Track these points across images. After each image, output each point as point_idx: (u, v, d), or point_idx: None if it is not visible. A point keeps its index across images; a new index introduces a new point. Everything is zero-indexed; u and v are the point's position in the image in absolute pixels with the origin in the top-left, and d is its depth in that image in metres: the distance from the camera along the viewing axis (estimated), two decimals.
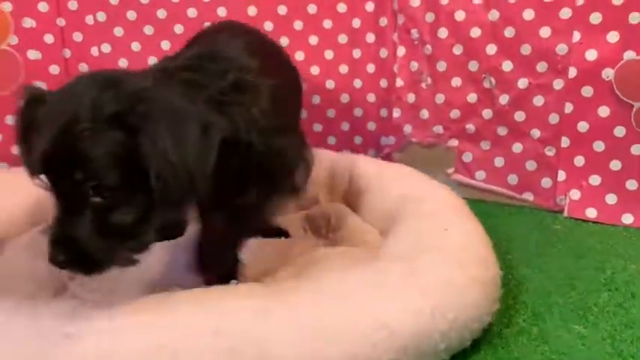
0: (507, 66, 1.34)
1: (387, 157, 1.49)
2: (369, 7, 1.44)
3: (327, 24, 1.46)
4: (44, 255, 0.70)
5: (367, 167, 1.27)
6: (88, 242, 0.70)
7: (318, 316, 0.74)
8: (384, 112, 1.50)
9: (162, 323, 0.72)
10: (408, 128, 1.46)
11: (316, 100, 1.52)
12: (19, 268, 0.93)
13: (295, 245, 1.13)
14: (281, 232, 1.19)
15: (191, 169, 0.69)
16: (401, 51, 1.43)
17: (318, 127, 1.54)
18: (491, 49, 1.34)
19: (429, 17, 1.38)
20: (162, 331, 0.71)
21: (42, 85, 1.45)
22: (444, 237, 0.90)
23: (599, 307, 0.93)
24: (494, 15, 1.32)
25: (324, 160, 1.34)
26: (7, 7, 1.39)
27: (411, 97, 1.44)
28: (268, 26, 1.46)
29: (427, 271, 0.81)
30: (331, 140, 1.55)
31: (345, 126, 1.53)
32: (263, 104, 0.82)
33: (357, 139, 1.54)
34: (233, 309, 0.74)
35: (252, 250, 1.09)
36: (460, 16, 1.35)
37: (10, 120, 1.42)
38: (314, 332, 0.72)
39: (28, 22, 1.42)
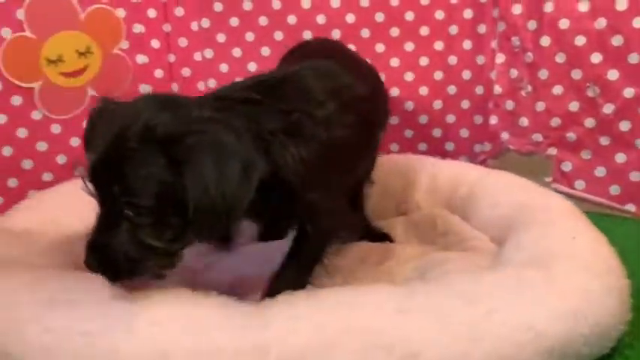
0: (613, 75, 1.32)
1: (482, 164, 1.48)
2: (468, 14, 1.45)
3: (424, 31, 1.48)
4: None
5: (470, 173, 1.27)
6: (117, 252, 0.75)
7: (459, 317, 0.75)
8: (478, 119, 1.50)
9: (316, 320, 0.74)
10: (505, 135, 1.45)
11: (409, 106, 1.53)
12: None
13: (402, 249, 1.14)
14: (385, 237, 1.21)
15: (228, 204, 0.72)
16: (500, 58, 1.43)
17: (409, 133, 1.55)
18: (596, 57, 1.33)
19: (531, 25, 1.38)
20: (316, 329, 0.73)
21: (147, 88, 1.53)
22: (572, 245, 0.89)
23: None
24: (600, 23, 1.31)
25: (425, 165, 1.36)
26: (121, 13, 1.46)
27: (509, 105, 1.44)
28: (365, 33, 1.48)
29: (564, 277, 0.81)
30: (422, 146, 1.55)
31: (437, 132, 1.54)
32: (305, 154, 0.83)
33: (449, 146, 1.54)
34: (377, 308, 0.76)
35: (362, 253, 1.12)
36: (564, 24, 1.34)
37: None
38: (457, 332, 0.73)
39: (138, 28, 1.49)
